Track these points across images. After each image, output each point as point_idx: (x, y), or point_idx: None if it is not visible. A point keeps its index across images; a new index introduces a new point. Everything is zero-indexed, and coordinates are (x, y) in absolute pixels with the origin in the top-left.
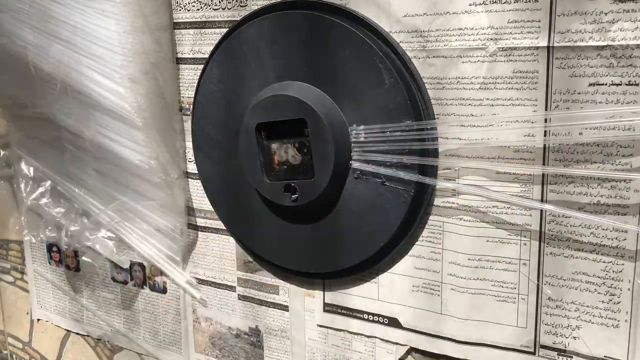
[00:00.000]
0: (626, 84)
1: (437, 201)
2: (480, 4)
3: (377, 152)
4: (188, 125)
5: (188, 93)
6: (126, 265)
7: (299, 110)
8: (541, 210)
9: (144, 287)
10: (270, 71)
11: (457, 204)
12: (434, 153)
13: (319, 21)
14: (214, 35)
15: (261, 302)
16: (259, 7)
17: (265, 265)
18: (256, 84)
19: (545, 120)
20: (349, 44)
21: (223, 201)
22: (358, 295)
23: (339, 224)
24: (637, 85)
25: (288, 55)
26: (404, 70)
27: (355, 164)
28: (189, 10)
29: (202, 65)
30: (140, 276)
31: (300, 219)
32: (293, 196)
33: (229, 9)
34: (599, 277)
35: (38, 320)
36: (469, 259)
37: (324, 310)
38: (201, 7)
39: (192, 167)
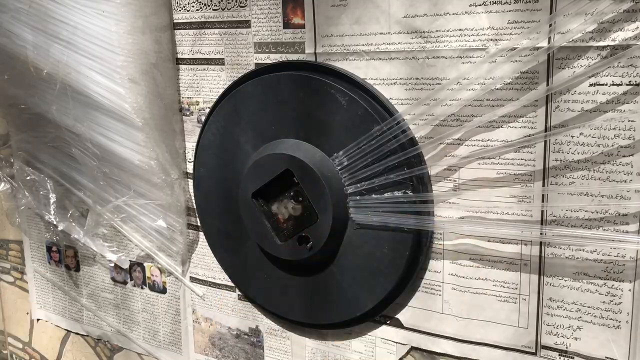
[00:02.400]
0: (626, 84)
1: (436, 203)
2: (480, 5)
3: (364, 167)
4: (188, 125)
5: (188, 93)
6: (126, 265)
7: (281, 163)
8: (542, 210)
9: (144, 287)
10: (248, 141)
11: (458, 203)
12: (411, 143)
13: (279, 80)
14: (214, 36)
15: None
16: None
17: (269, 315)
18: (239, 156)
19: (546, 121)
20: (306, 88)
21: (226, 257)
22: None
23: (340, 273)
24: (637, 85)
25: (260, 121)
26: (356, 88)
27: (350, 189)
28: (188, 11)
29: (202, 66)
30: (140, 276)
31: (303, 271)
32: (308, 245)
33: (228, 9)
34: (600, 278)
35: (38, 320)
36: (470, 259)
37: None
38: (201, 8)
39: (192, 168)
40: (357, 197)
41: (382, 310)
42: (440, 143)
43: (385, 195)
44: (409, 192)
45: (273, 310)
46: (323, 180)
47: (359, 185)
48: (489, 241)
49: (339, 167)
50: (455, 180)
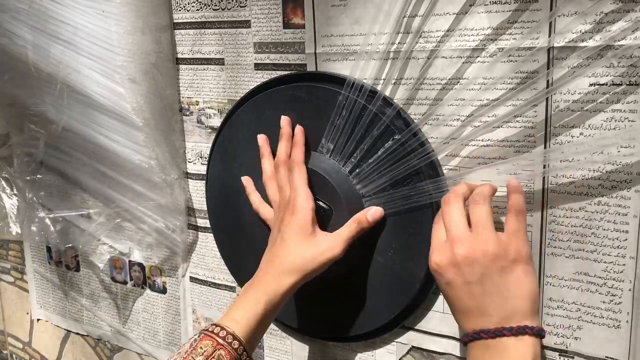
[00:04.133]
0: (626, 84)
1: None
2: (480, 5)
3: (373, 170)
4: (188, 125)
5: (188, 93)
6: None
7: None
8: (542, 210)
9: (144, 287)
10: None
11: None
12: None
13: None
14: (214, 36)
15: None
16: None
17: (276, 323)
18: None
19: (546, 121)
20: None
21: (236, 264)
22: None
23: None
24: (637, 85)
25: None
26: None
27: (362, 190)
28: (188, 11)
29: (202, 66)
30: (140, 276)
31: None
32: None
33: (228, 9)
34: (600, 278)
35: (38, 320)
36: None
37: None
38: (201, 8)
39: (192, 167)
40: (371, 195)
41: (403, 321)
42: (440, 143)
43: (397, 190)
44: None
45: (281, 319)
46: (334, 184)
47: (369, 184)
48: None
49: (348, 171)
50: (455, 180)
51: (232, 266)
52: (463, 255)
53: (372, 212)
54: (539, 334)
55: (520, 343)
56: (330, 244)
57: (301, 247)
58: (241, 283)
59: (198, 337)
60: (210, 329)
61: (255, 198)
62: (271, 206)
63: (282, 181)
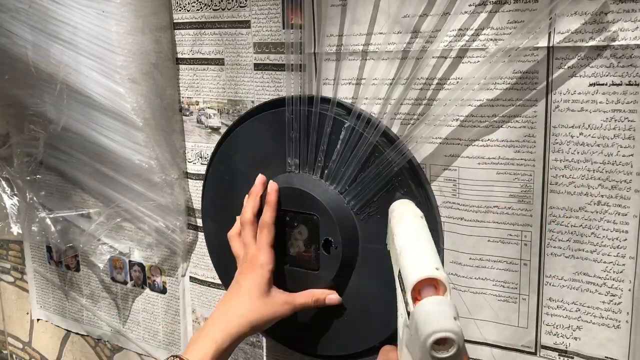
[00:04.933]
0: (626, 84)
1: (438, 201)
2: (480, 5)
3: (363, 184)
4: (188, 125)
5: (188, 93)
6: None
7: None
8: (542, 210)
9: (144, 287)
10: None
11: (458, 203)
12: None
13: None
14: (214, 36)
15: None
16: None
17: (271, 341)
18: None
19: (546, 121)
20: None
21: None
22: None
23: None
24: (637, 85)
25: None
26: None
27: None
28: (189, 11)
29: (202, 66)
30: (140, 276)
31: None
32: (333, 248)
33: (228, 9)
34: (599, 278)
35: (38, 320)
36: (470, 259)
37: None
38: (201, 8)
39: (192, 167)
40: (347, 189)
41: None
42: (440, 143)
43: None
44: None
45: (278, 339)
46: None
47: (341, 181)
48: (489, 241)
49: (319, 177)
50: (455, 180)
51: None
52: None
53: (331, 297)
54: None
55: None
56: (281, 307)
57: (255, 304)
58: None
59: None
60: None
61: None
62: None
63: (247, 239)
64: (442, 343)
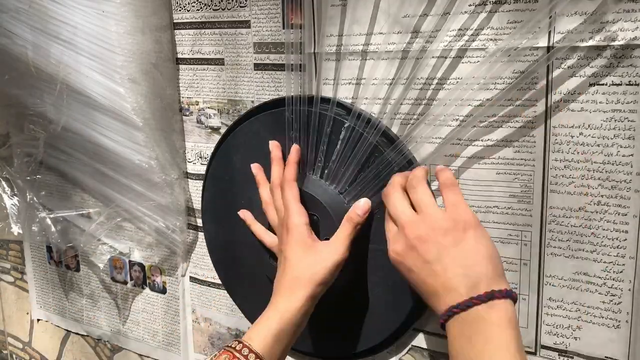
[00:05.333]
0: (626, 84)
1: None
2: (480, 4)
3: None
4: (188, 125)
5: (188, 93)
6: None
7: None
8: (542, 210)
9: (144, 287)
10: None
11: None
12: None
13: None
14: (214, 36)
15: None
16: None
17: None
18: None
19: (546, 121)
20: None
21: (235, 282)
22: None
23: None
24: (637, 85)
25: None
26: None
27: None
28: (189, 11)
29: (202, 66)
30: (140, 276)
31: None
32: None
33: (228, 9)
34: (599, 278)
35: (38, 320)
36: None
37: None
38: (201, 8)
39: (192, 167)
40: (347, 189)
41: (410, 326)
42: (440, 143)
43: (367, 172)
44: None
45: None
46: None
47: (341, 181)
48: None
49: (319, 176)
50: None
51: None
52: (416, 237)
53: (360, 206)
54: (508, 295)
55: (493, 309)
56: (331, 248)
57: (304, 260)
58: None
59: (218, 352)
60: (230, 345)
61: (257, 228)
62: (274, 232)
63: (278, 203)
64: None
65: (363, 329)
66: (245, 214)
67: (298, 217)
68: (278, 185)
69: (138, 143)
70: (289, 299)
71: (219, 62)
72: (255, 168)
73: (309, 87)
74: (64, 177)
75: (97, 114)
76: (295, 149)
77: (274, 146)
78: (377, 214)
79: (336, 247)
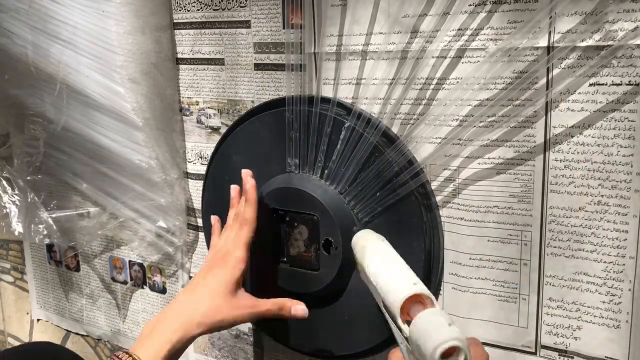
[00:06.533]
0: (626, 84)
1: (439, 201)
2: (479, 4)
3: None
4: (188, 125)
5: (188, 93)
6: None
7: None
8: (542, 210)
9: (144, 287)
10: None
11: (458, 203)
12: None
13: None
14: (214, 36)
15: None
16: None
17: (271, 341)
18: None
19: (545, 121)
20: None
21: None
22: None
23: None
24: (637, 85)
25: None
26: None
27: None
28: (189, 11)
29: (202, 66)
30: (140, 276)
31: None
32: (333, 249)
33: (228, 9)
34: (599, 278)
35: (38, 320)
36: (470, 259)
37: None
38: (201, 8)
39: (192, 167)
40: (347, 189)
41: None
42: (440, 143)
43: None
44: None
45: (281, 340)
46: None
47: (341, 181)
48: (488, 241)
49: (319, 177)
50: (455, 180)
51: None
52: None
53: (297, 308)
54: None
55: None
56: (244, 310)
57: (218, 303)
58: None
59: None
60: (118, 355)
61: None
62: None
63: (230, 234)
64: (449, 355)
65: (363, 329)
66: (215, 221)
67: (242, 257)
68: (232, 225)
69: (138, 143)
70: (185, 331)
71: (219, 62)
72: (234, 190)
73: (309, 87)
74: (64, 177)
75: (97, 114)
76: (251, 185)
77: (235, 193)
78: (371, 213)
79: (249, 311)
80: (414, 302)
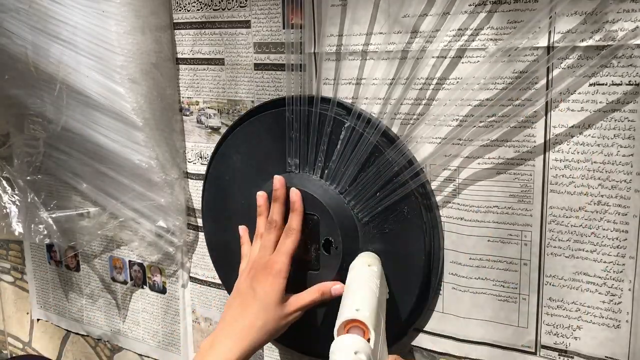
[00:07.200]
0: (626, 84)
1: (439, 201)
2: (479, 4)
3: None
4: (188, 125)
5: (188, 93)
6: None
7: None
8: (542, 210)
9: (144, 287)
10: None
11: (458, 203)
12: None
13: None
14: (214, 36)
15: None
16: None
17: (274, 342)
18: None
19: (545, 121)
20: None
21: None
22: None
23: None
24: (637, 85)
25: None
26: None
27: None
28: (189, 11)
29: (202, 66)
30: (140, 276)
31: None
32: (334, 249)
33: (228, 9)
34: (599, 277)
35: (38, 320)
36: (470, 259)
37: None
38: (201, 7)
39: (192, 167)
40: (347, 189)
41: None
42: (440, 143)
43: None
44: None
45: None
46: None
47: (341, 180)
48: (488, 241)
49: (319, 176)
50: (455, 180)
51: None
52: None
53: (336, 288)
54: None
55: None
56: (295, 312)
57: (273, 314)
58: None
59: None
60: None
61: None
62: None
63: (267, 242)
64: None
65: None
66: (244, 231)
67: (286, 268)
68: (279, 227)
69: (138, 143)
70: (249, 340)
71: (219, 62)
72: (261, 198)
73: (309, 87)
74: (64, 177)
75: (97, 114)
76: (297, 195)
77: (281, 185)
78: (371, 213)
79: (299, 310)
80: (355, 327)
